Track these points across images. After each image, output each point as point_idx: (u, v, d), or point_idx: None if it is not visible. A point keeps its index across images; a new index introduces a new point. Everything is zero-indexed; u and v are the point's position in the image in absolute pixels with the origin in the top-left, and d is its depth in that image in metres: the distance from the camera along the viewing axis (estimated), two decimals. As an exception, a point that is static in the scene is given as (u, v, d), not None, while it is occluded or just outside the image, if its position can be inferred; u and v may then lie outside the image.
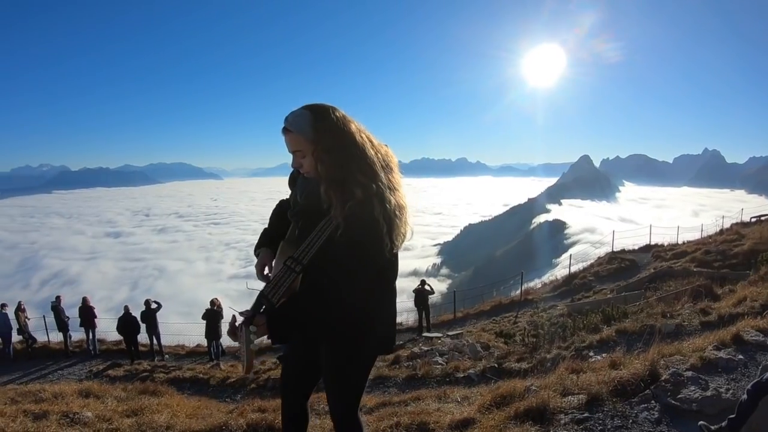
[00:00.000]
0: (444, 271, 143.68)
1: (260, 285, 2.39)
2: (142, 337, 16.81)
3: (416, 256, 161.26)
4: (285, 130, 2.23)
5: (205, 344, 16.75)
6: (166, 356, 16.72)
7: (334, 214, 2.15)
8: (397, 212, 2.18)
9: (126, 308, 16.33)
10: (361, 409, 5.49)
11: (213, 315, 15.90)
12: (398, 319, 21.08)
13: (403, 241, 2.25)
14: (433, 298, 20.75)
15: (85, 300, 16.89)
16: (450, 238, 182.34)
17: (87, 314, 16.59)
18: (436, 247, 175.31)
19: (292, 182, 2.53)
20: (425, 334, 17.16)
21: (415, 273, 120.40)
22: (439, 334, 16.21)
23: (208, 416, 5.30)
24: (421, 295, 18.32)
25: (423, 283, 18.73)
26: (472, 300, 24.87)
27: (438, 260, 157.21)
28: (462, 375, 9.06)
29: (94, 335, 16.98)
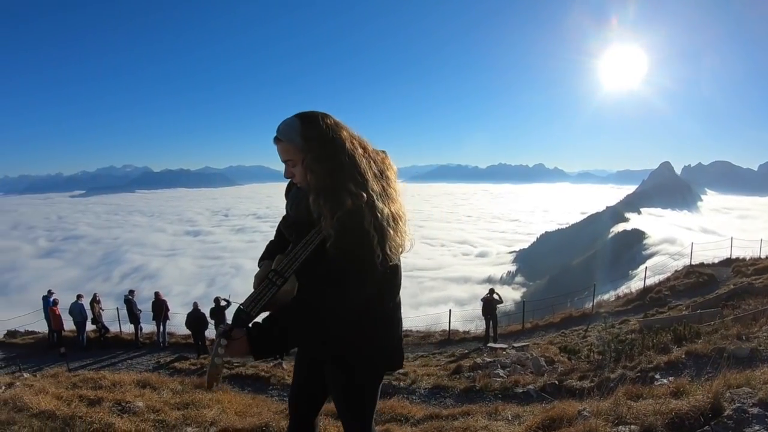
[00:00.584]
0: (518, 279, 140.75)
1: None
2: (211, 332, 17.25)
3: (491, 263, 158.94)
4: (276, 139, 2.17)
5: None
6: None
7: (323, 225, 2.06)
8: (391, 222, 2.08)
9: (195, 304, 16.77)
10: (408, 420, 5.34)
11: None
12: (467, 327, 20.71)
13: (400, 253, 2.17)
14: (504, 307, 20.34)
15: (157, 294, 17.52)
16: (526, 245, 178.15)
17: (159, 308, 17.17)
18: (511, 255, 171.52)
19: (288, 194, 2.46)
20: (490, 344, 16.89)
21: (489, 280, 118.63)
22: (505, 346, 15.86)
23: (256, 415, 5.35)
24: (489, 304, 18.04)
25: (492, 291, 18.47)
26: (543, 311, 24.23)
27: (513, 268, 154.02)
28: (521, 390, 8.79)
29: (164, 328, 17.55)
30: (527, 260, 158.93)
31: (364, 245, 2.00)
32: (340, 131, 2.14)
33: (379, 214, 2.02)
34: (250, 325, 2.08)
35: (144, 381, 6.64)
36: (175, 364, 15.36)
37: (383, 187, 2.13)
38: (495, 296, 18.19)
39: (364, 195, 2.03)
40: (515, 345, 15.80)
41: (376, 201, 2.04)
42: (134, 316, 17.36)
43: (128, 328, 18.24)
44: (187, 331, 17.45)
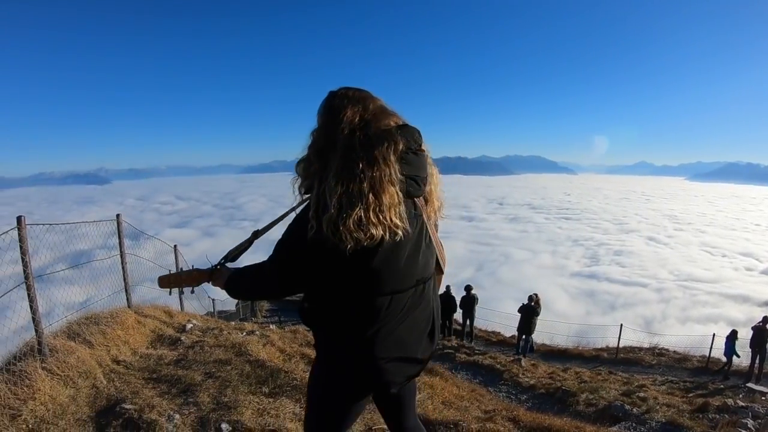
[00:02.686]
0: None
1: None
2: (459, 316, 18.07)
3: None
4: None
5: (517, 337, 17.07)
6: (474, 341, 17.50)
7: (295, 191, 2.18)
8: (338, 200, 1.87)
9: (447, 288, 17.52)
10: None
11: (529, 310, 16.12)
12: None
13: (352, 239, 1.87)
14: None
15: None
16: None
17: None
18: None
19: None
20: (750, 384, 14.61)
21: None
22: (766, 390, 13.57)
23: (462, 409, 5.39)
24: (760, 334, 15.74)
25: (765, 320, 16.01)
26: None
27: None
28: (764, 456, 7.61)
29: None
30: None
31: (303, 214, 1.99)
32: (349, 106, 2.07)
33: (323, 187, 1.92)
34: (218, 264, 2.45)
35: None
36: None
37: (354, 162, 1.93)
38: None
39: (316, 164, 2.03)
40: (779, 392, 13.45)
41: (328, 174, 1.94)
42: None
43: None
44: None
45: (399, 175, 1.97)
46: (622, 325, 17.36)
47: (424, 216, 2.20)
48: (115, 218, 7.55)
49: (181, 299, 10.24)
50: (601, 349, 17.22)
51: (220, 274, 2.38)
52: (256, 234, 2.46)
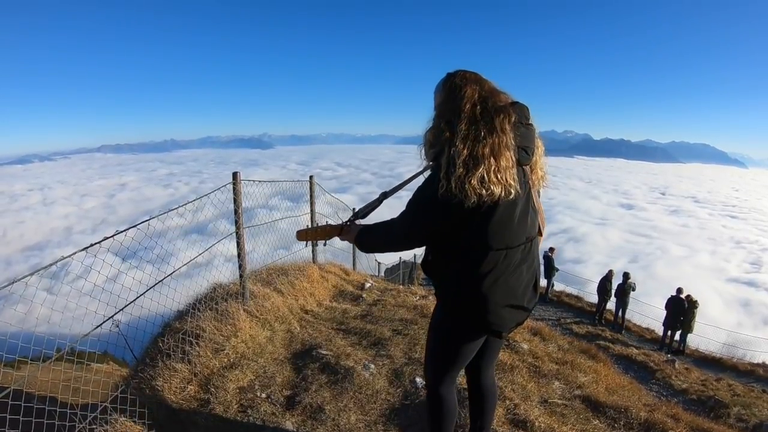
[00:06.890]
0: None
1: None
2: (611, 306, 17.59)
3: None
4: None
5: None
6: (624, 333, 16.93)
7: (424, 156, 2.47)
8: (464, 161, 2.20)
9: (626, 275, 17.12)
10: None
11: (677, 303, 15.35)
12: None
13: (474, 194, 2.19)
14: None
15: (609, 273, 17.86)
16: None
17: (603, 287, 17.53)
18: None
19: None
20: None
21: None
22: None
23: (624, 398, 5.35)
24: None
25: None
26: None
27: None
28: None
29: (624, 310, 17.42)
30: None
31: (434, 175, 2.28)
32: (466, 86, 2.38)
33: (453, 150, 2.22)
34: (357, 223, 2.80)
35: (537, 330, 7.27)
36: (573, 326, 16.18)
37: (477, 130, 2.26)
38: None
39: (450, 135, 2.29)
40: None
41: (456, 140, 2.25)
42: (549, 272, 18.65)
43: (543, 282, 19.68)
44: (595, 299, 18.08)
45: (513, 143, 2.29)
46: (782, 341, 15.88)
47: (530, 183, 2.48)
48: (308, 180, 8.25)
49: (354, 260, 10.78)
50: (757, 365, 15.87)
51: (349, 229, 2.76)
52: (385, 195, 2.89)
